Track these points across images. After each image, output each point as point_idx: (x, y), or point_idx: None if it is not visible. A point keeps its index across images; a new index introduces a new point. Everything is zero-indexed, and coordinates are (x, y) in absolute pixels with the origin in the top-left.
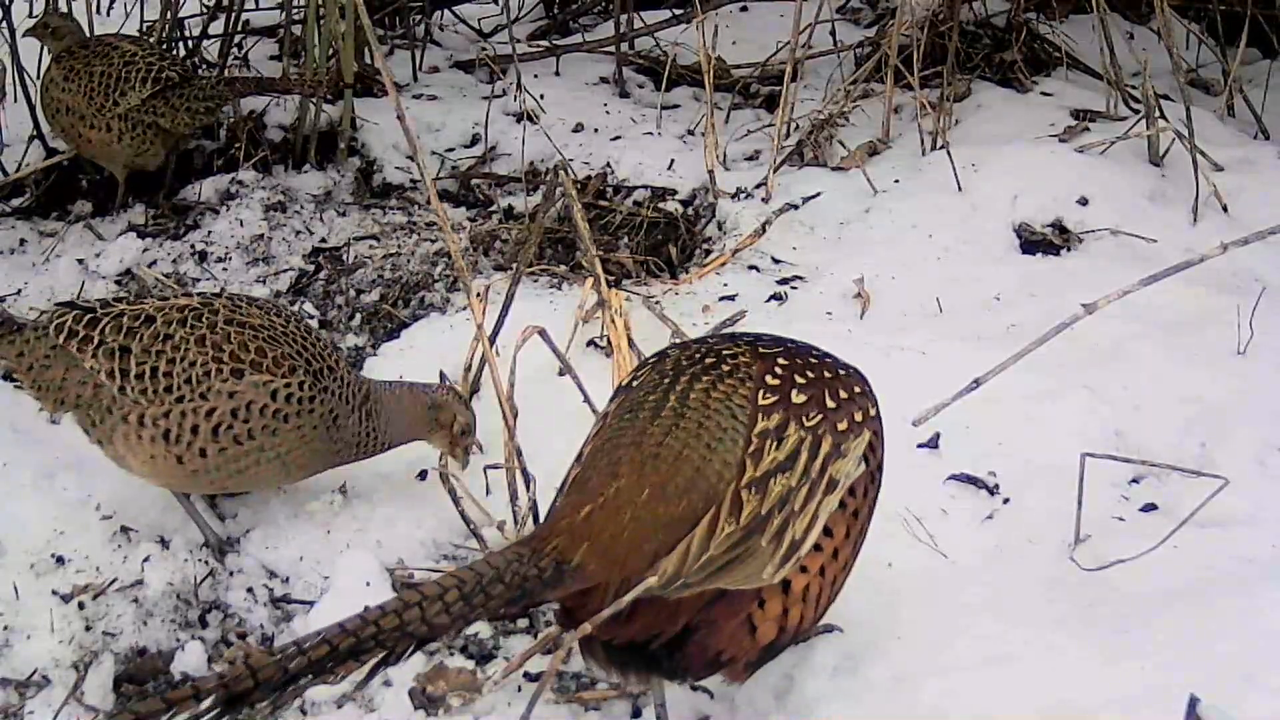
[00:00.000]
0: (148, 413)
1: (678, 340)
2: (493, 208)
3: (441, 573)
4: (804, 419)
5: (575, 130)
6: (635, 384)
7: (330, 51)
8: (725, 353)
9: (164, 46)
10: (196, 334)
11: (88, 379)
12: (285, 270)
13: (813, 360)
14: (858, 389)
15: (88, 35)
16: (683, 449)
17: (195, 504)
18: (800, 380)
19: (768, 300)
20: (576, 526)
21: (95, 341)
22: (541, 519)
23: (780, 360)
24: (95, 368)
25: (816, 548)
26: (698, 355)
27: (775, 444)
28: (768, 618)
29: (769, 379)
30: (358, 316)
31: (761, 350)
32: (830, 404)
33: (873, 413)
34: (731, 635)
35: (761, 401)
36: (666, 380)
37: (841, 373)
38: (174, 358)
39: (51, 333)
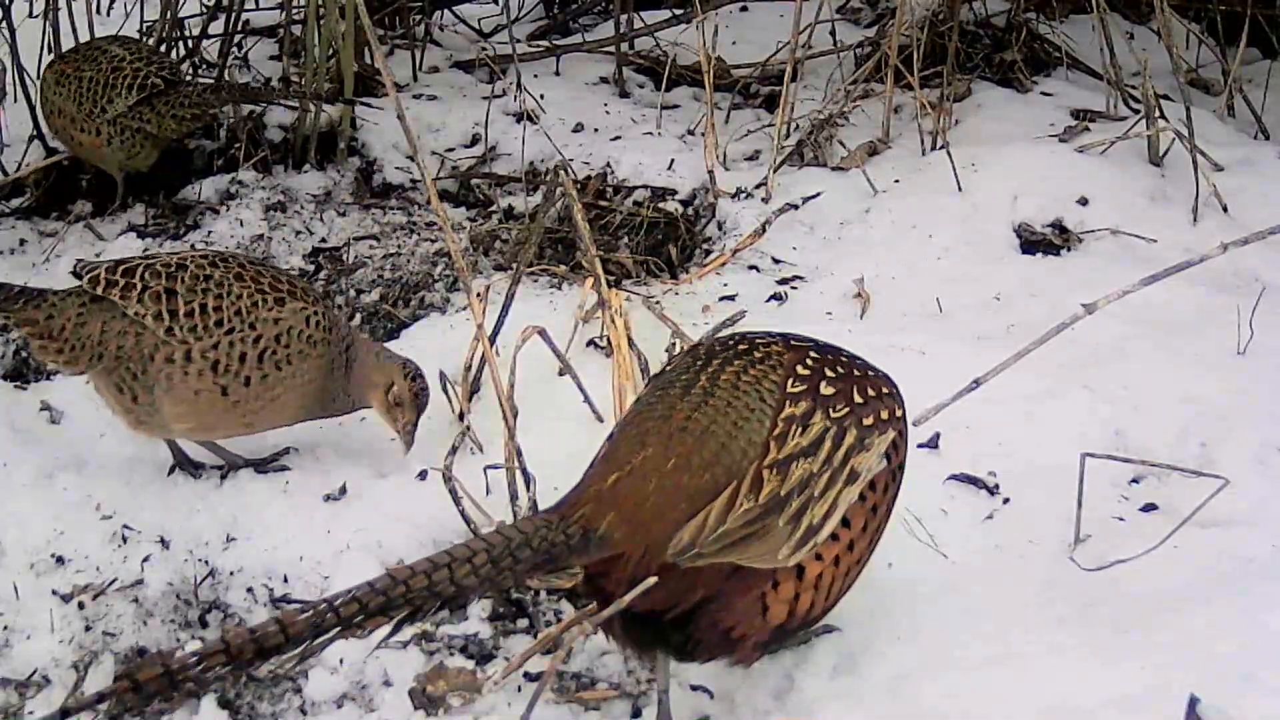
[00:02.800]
0: (195, 348)
1: (677, 340)
2: (493, 208)
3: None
4: (831, 410)
5: (575, 130)
6: (669, 368)
7: (330, 51)
8: (759, 341)
9: (161, 47)
10: (233, 272)
11: (128, 329)
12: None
13: (843, 359)
14: (885, 389)
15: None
16: (710, 424)
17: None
18: (830, 374)
19: (768, 300)
20: (604, 494)
21: (139, 288)
22: None
23: (812, 353)
24: (140, 313)
25: (833, 537)
26: (731, 341)
27: (800, 429)
28: (780, 599)
29: (799, 369)
30: (358, 316)
31: (794, 343)
32: (858, 399)
33: (899, 413)
34: (744, 612)
35: (790, 389)
36: (699, 363)
37: (870, 373)
38: (220, 293)
39: (87, 285)
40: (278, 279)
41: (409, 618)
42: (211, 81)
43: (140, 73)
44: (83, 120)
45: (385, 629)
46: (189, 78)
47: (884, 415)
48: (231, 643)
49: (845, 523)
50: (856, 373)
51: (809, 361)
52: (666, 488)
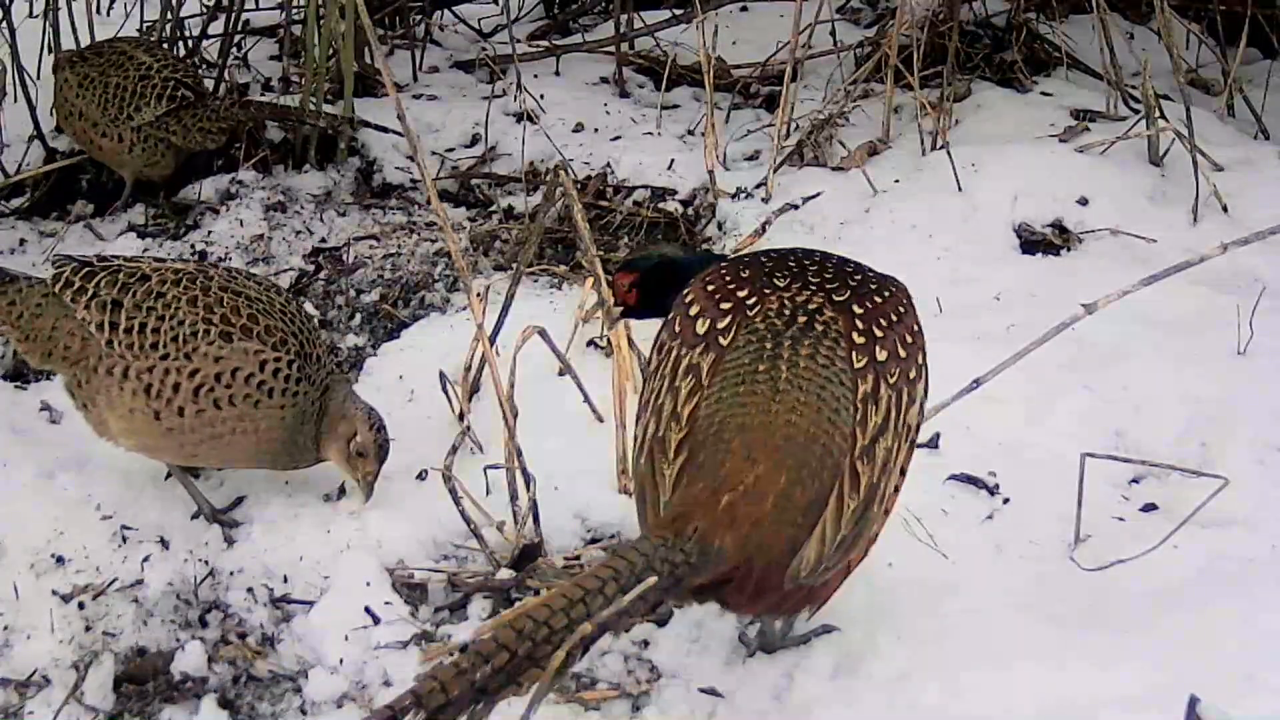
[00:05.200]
0: (132, 366)
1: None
2: (493, 208)
3: (441, 572)
4: (889, 377)
5: (575, 130)
6: (727, 342)
7: (330, 51)
8: (810, 307)
9: (165, 47)
10: (189, 295)
11: (77, 331)
12: (285, 270)
13: (880, 302)
14: (916, 327)
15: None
16: (810, 427)
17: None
18: (878, 334)
19: None
20: (718, 514)
21: (89, 293)
22: (541, 519)
23: (855, 310)
24: (87, 319)
25: (894, 489)
26: (787, 313)
27: (875, 408)
28: (858, 560)
29: (855, 337)
30: (358, 316)
31: (837, 300)
32: (902, 354)
33: (925, 347)
34: (835, 585)
35: (856, 363)
36: (769, 346)
37: (901, 310)
38: (164, 315)
39: (49, 281)
40: (238, 311)
41: (564, 666)
42: (241, 97)
43: (169, 82)
44: (106, 125)
45: (542, 681)
46: (212, 90)
47: (920, 360)
48: (395, 705)
49: (902, 470)
50: (894, 318)
51: (859, 324)
52: (783, 506)
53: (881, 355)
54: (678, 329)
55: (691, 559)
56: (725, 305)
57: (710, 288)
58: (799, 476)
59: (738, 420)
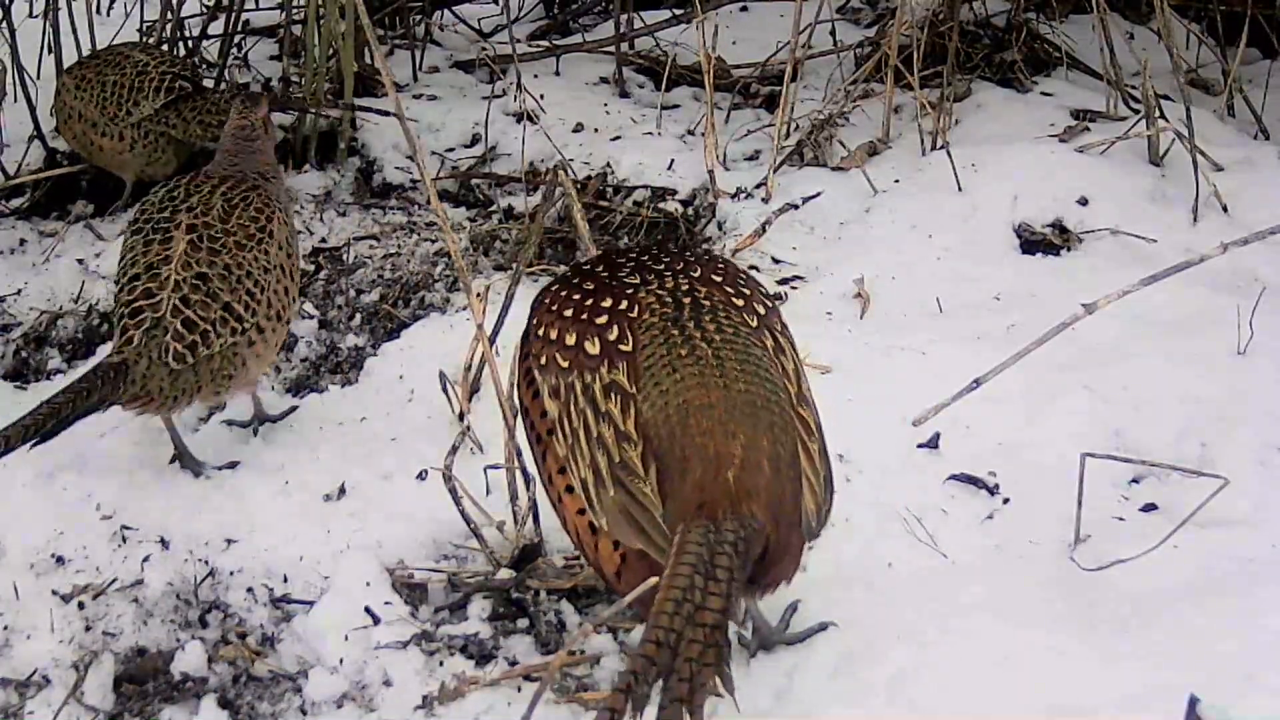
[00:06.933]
0: (264, 322)
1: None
2: (493, 208)
3: (441, 572)
4: (776, 328)
5: (575, 130)
6: (630, 347)
7: (330, 51)
8: (683, 289)
9: (164, 46)
10: (207, 249)
11: (211, 354)
12: None
13: (724, 268)
14: (752, 279)
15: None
16: (760, 389)
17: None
18: (747, 293)
19: None
20: (733, 489)
21: (193, 331)
22: (541, 519)
23: (717, 280)
24: (223, 343)
25: None
26: (669, 300)
27: (785, 357)
28: None
29: (735, 301)
30: (358, 316)
31: (694, 275)
32: (769, 304)
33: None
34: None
35: (751, 324)
36: (677, 332)
37: (736, 270)
38: (226, 274)
39: (173, 361)
40: (226, 213)
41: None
42: (241, 89)
43: (166, 76)
44: (105, 124)
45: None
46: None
47: (773, 303)
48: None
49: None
50: (743, 277)
51: (729, 290)
52: (776, 465)
53: (761, 310)
54: (563, 363)
55: (741, 533)
56: (600, 319)
57: (566, 313)
58: (775, 435)
59: (696, 403)
